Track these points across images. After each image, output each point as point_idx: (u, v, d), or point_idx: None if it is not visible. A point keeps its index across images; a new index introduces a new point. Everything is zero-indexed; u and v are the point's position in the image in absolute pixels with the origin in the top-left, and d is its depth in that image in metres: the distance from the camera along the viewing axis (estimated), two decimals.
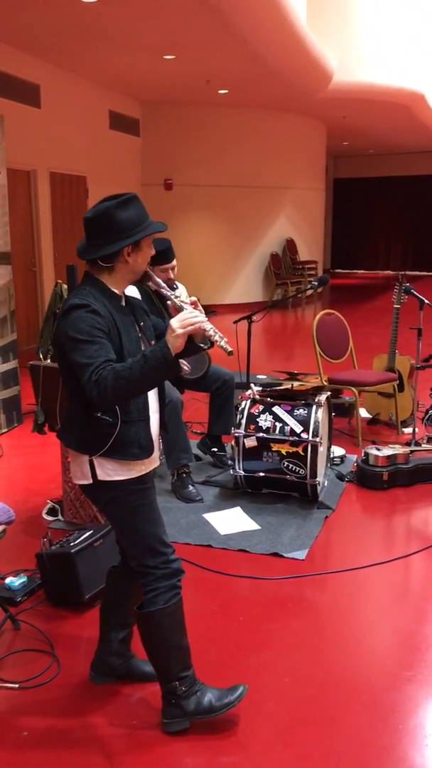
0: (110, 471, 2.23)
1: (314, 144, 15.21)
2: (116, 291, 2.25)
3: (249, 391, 4.36)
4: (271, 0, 7.27)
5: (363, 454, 4.52)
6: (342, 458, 4.81)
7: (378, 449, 4.48)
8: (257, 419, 4.18)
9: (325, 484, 4.35)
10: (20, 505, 4.16)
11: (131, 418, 2.21)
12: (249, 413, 4.21)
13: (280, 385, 4.55)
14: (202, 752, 2.26)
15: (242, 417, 4.20)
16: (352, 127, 15.47)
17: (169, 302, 2.31)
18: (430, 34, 12.26)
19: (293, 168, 14.48)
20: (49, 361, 3.95)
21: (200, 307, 2.21)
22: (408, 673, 2.64)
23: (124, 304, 2.28)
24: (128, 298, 2.34)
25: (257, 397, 4.30)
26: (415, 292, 5.07)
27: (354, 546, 3.70)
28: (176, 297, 2.28)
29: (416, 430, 5.04)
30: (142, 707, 2.47)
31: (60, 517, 3.97)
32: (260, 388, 4.42)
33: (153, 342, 2.33)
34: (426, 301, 4.98)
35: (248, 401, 4.28)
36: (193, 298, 2.25)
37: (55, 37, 8.12)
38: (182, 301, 2.23)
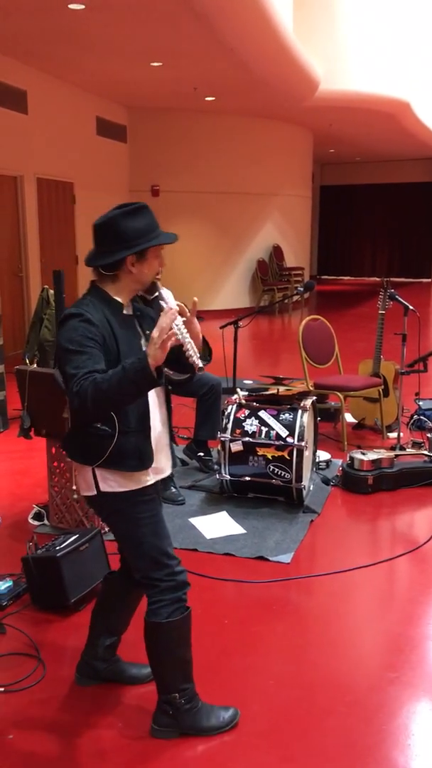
0: (112, 483, 2.20)
1: (301, 151, 15.30)
2: (119, 299, 2.21)
3: (235, 396, 4.38)
4: (258, 8, 7.33)
5: (348, 459, 4.55)
6: (327, 463, 4.84)
7: (363, 454, 4.51)
8: (243, 424, 4.20)
9: (311, 488, 4.38)
10: (6, 510, 4.16)
11: (129, 429, 2.17)
12: (235, 418, 4.23)
13: (266, 390, 4.57)
14: (188, 754, 2.27)
15: (228, 421, 4.22)
16: (339, 135, 15.58)
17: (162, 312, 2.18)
18: (415, 42, 12.40)
19: (280, 175, 14.55)
20: (35, 365, 3.97)
21: (188, 314, 2.15)
22: (392, 675, 2.67)
23: (129, 312, 2.25)
24: (136, 308, 2.30)
25: (243, 401, 4.32)
26: (400, 298, 5.12)
27: (339, 549, 3.73)
28: (166, 304, 2.19)
29: (401, 434, 5.08)
30: (128, 709, 2.48)
31: (46, 521, 3.97)
32: (246, 393, 4.44)
33: None
34: (410, 307, 5.03)
35: (234, 406, 4.30)
36: (180, 304, 2.17)
37: (43, 44, 8.14)
38: (169, 308, 2.12)
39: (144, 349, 2.21)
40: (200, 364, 2.07)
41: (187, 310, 2.15)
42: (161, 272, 2.26)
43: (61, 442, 2.37)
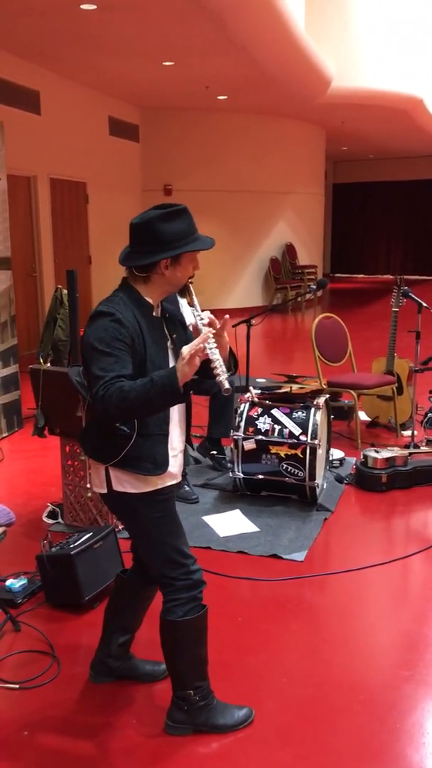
0: (125, 483, 2.19)
1: (313, 149, 15.26)
2: (150, 300, 2.19)
3: (248, 394, 4.38)
4: (270, 6, 7.32)
5: (362, 457, 4.54)
6: (341, 461, 4.83)
7: (377, 452, 4.49)
8: (256, 422, 4.20)
9: (324, 486, 4.37)
10: (21, 508, 4.18)
11: (148, 432, 2.15)
12: (248, 416, 4.23)
13: (279, 388, 4.57)
14: (202, 751, 2.28)
15: (241, 420, 4.22)
16: (351, 132, 15.52)
17: (191, 322, 2.11)
18: (427, 39, 12.33)
19: (292, 173, 14.52)
20: (49, 365, 3.99)
21: (218, 325, 2.11)
22: (406, 673, 2.66)
23: (157, 314, 2.22)
24: (164, 309, 2.27)
25: (256, 400, 4.32)
26: (413, 296, 5.10)
27: (353, 547, 3.72)
28: (201, 319, 2.12)
29: (415, 432, 5.06)
30: (142, 706, 2.49)
31: (60, 519, 3.99)
32: (259, 391, 4.44)
33: None
34: (424, 305, 5.01)
35: (247, 404, 4.30)
36: (210, 316, 2.12)
37: (55, 44, 8.17)
38: (204, 325, 2.09)
39: (170, 352, 2.21)
40: (227, 386, 2.00)
41: (217, 323, 2.11)
42: (194, 275, 2.23)
43: (77, 437, 2.37)
